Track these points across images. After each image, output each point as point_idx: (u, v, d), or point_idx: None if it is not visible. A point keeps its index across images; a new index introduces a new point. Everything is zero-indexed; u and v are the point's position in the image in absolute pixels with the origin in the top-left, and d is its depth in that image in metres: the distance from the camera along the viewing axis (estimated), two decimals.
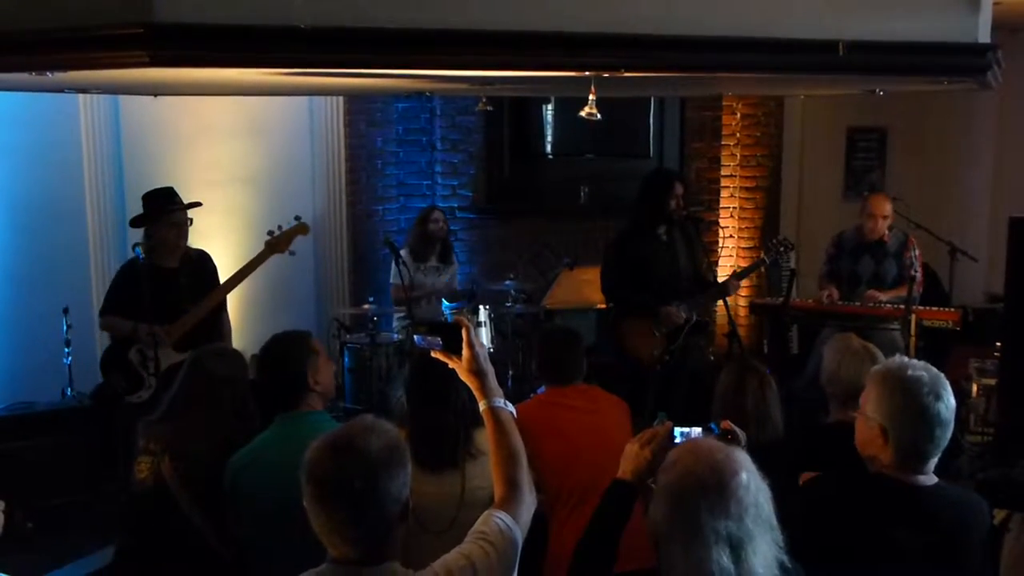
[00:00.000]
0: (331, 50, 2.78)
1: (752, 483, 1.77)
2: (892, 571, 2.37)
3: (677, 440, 2.10)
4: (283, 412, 3.00)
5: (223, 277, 4.73)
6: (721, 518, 1.73)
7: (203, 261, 4.72)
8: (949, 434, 2.39)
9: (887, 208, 5.56)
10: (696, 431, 2.16)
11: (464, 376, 2.22)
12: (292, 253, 4.70)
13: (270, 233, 4.66)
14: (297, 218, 4.74)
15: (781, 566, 1.79)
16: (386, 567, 1.90)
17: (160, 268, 4.50)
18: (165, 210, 4.54)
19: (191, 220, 4.64)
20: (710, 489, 1.75)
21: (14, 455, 4.95)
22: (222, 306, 4.69)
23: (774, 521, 1.79)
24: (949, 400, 2.37)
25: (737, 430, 2.18)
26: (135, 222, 4.69)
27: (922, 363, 2.44)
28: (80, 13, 2.68)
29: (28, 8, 2.79)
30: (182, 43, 2.63)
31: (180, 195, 4.69)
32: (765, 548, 1.76)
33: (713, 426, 2.21)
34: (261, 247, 4.70)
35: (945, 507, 2.41)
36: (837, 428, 3.05)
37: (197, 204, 4.72)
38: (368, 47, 2.80)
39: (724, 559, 1.71)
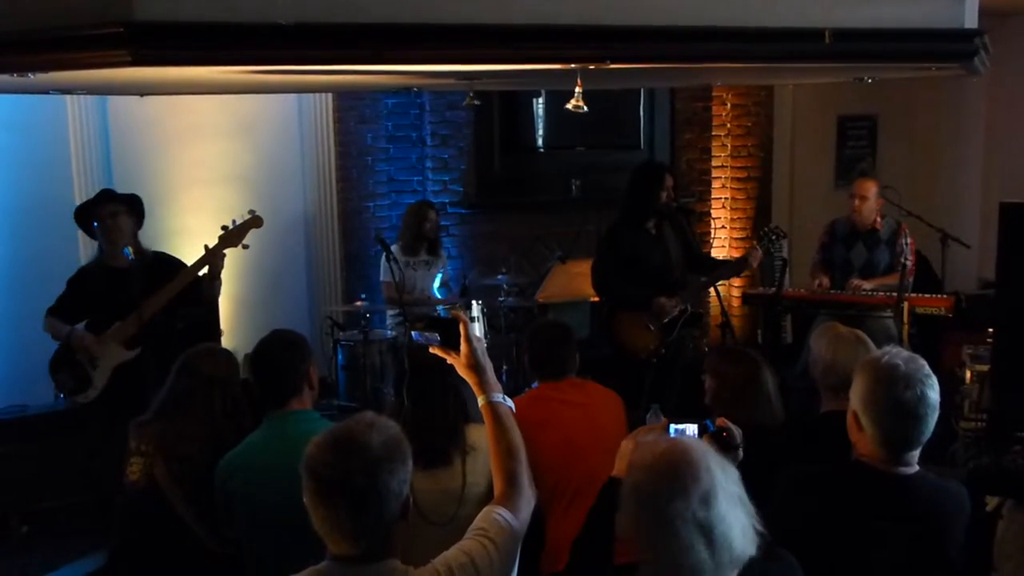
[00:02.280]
0: (314, 47, 2.76)
1: (713, 465, 1.73)
2: (872, 559, 2.35)
3: (672, 437, 2.08)
4: (274, 410, 3.00)
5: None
6: (687, 506, 1.69)
7: (158, 259, 4.60)
8: (924, 427, 2.33)
9: (870, 190, 5.56)
10: (692, 428, 2.13)
11: (462, 371, 2.22)
12: (246, 247, 4.59)
13: (224, 228, 4.55)
14: (251, 212, 4.62)
15: (760, 536, 1.75)
16: (386, 564, 1.90)
17: (111, 269, 4.44)
18: (91, 215, 4.48)
19: (117, 212, 4.49)
20: (671, 479, 1.71)
21: (8, 458, 4.96)
22: (188, 301, 4.51)
23: (744, 495, 1.75)
24: (926, 392, 2.30)
25: (733, 428, 2.15)
26: (88, 232, 4.65)
27: (907, 354, 2.39)
28: (60, 13, 2.66)
29: (6, 9, 2.77)
30: (164, 42, 2.60)
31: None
32: (739, 523, 1.72)
33: (708, 423, 2.18)
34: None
35: (924, 496, 2.39)
36: (833, 417, 3.03)
37: (107, 193, 4.66)
38: (351, 43, 2.77)
39: (700, 548, 1.67)
